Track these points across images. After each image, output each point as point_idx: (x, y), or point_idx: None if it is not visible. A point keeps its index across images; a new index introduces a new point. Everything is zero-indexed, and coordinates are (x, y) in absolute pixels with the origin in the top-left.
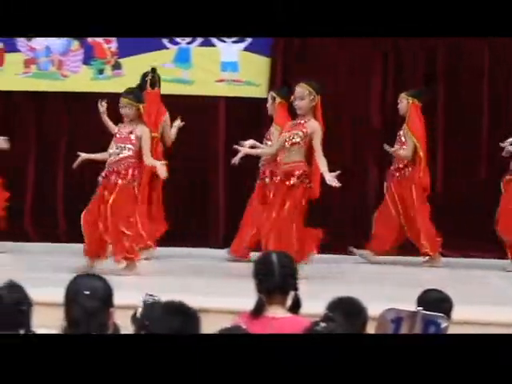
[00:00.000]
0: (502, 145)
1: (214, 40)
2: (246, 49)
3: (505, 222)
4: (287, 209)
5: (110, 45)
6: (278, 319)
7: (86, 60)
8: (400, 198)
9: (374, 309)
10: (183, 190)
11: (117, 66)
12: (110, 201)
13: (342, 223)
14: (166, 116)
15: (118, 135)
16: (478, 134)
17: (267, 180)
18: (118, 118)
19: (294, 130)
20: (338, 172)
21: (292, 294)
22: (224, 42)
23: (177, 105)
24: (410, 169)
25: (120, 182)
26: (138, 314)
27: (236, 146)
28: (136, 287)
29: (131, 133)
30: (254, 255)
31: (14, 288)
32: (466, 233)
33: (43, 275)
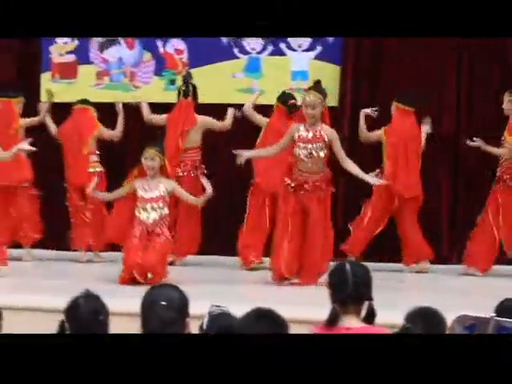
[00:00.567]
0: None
1: (285, 49)
2: (317, 57)
3: None
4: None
5: (181, 56)
6: (353, 329)
7: (158, 71)
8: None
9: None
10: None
11: (188, 77)
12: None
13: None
14: (196, 125)
15: (144, 194)
16: None
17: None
18: None
19: (313, 142)
20: (377, 171)
21: (366, 303)
22: (295, 50)
23: None
24: None
25: (162, 240)
26: (204, 325)
27: (237, 151)
28: (210, 297)
29: (160, 190)
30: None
31: (90, 297)
32: None
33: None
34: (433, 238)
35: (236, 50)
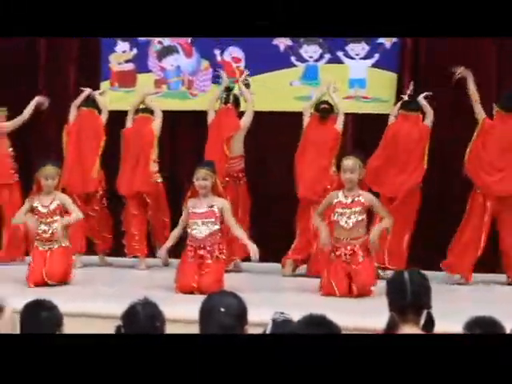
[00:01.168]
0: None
1: (342, 57)
2: (374, 65)
3: None
4: None
5: (238, 64)
6: None
7: (215, 79)
8: None
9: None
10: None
11: (245, 85)
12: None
13: None
14: (239, 130)
15: (196, 211)
16: None
17: None
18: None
19: (352, 207)
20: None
21: (425, 312)
22: (352, 58)
23: None
24: None
25: (214, 259)
26: (268, 332)
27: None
28: (267, 304)
29: (212, 207)
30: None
31: (148, 304)
32: None
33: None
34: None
35: (293, 58)
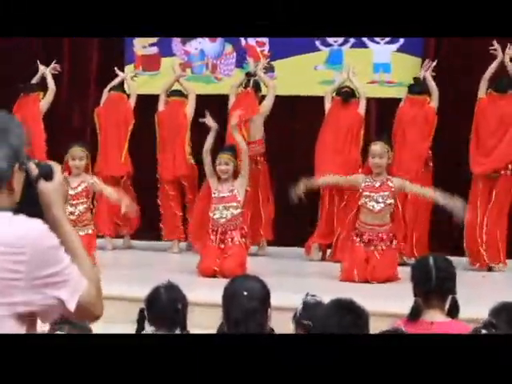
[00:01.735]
0: None
1: (367, 41)
2: (399, 49)
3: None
4: None
5: (262, 48)
6: (437, 324)
7: (239, 63)
8: None
9: None
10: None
11: (269, 69)
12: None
13: None
14: (258, 113)
15: (219, 194)
16: None
17: None
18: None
19: (380, 191)
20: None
21: (450, 297)
22: (377, 43)
23: None
24: None
25: (237, 244)
26: (298, 313)
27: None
28: (290, 288)
29: (232, 191)
30: None
31: (171, 288)
32: None
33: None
34: None
35: (318, 43)
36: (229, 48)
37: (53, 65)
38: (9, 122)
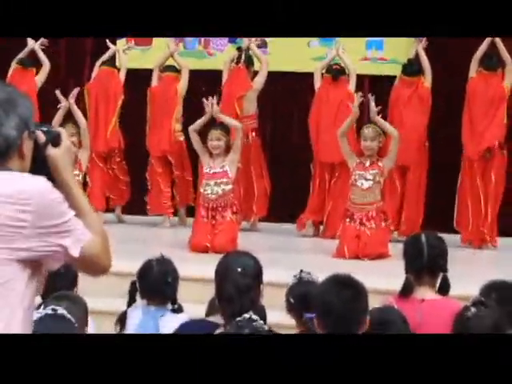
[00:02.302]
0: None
1: None
2: None
3: None
4: None
5: None
6: (428, 301)
7: (232, 39)
8: None
9: None
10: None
11: (262, 45)
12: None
13: None
14: (250, 90)
15: (210, 170)
16: None
17: None
18: None
19: (370, 169)
20: None
21: (441, 275)
22: None
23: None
24: None
25: (227, 220)
26: (289, 291)
27: None
28: (282, 264)
29: (223, 167)
30: None
31: (163, 261)
32: None
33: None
34: None
35: None
36: None
37: (41, 40)
38: (16, 94)
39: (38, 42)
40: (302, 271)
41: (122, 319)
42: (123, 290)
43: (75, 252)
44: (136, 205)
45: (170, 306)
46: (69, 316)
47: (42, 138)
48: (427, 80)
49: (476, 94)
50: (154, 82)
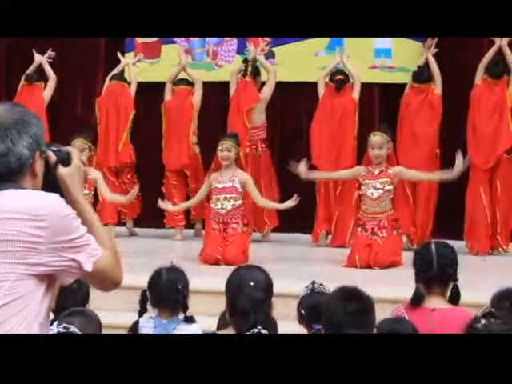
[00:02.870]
0: None
1: None
2: None
3: None
4: None
5: None
6: (438, 310)
7: (240, 50)
8: None
9: None
10: None
11: (270, 55)
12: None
13: None
14: (258, 102)
15: (218, 185)
16: None
17: None
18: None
19: (379, 178)
20: None
21: (451, 284)
22: None
23: None
24: None
25: (239, 232)
26: (299, 302)
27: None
28: (294, 275)
29: (234, 181)
30: None
31: (172, 269)
32: None
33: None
34: None
35: None
36: None
37: (48, 53)
38: (28, 114)
39: (45, 56)
40: (314, 282)
41: (133, 329)
42: (136, 303)
43: (88, 267)
44: (147, 218)
45: (181, 315)
46: (80, 334)
47: (52, 157)
48: (437, 87)
49: (480, 102)
50: (168, 96)
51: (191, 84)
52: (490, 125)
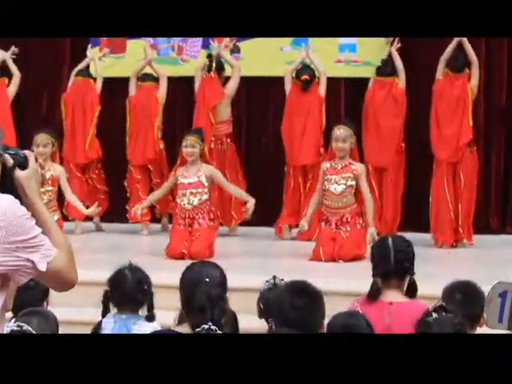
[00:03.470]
0: None
1: None
2: None
3: None
4: None
5: None
6: (396, 304)
7: (205, 45)
8: None
9: None
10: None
11: (235, 50)
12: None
13: None
14: (223, 98)
15: (184, 181)
16: None
17: None
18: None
19: (341, 173)
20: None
21: (408, 278)
22: None
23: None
24: None
25: (204, 227)
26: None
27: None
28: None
29: (199, 176)
30: None
31: (136, 269)
32: None
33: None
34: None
35: None
36: None
37: (12, 49)
38: None
39: (9, 52)
40: (274, 277)
41: (96, 329)
42: (99, 299)
43: (42, 267)
44: (114, 213)
45: (143, 313)
46: (34, 332)
47: (9, 160)
48: (401, 81)
49: (442, 96)
50: (132, 91)
51: (157, 80)
52: (453, 119)
